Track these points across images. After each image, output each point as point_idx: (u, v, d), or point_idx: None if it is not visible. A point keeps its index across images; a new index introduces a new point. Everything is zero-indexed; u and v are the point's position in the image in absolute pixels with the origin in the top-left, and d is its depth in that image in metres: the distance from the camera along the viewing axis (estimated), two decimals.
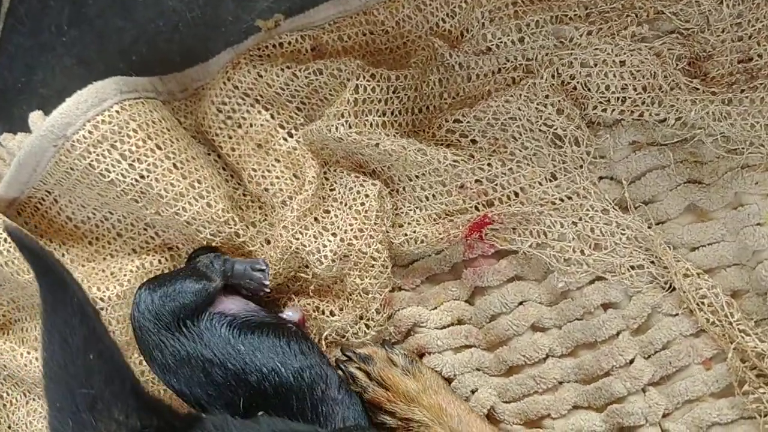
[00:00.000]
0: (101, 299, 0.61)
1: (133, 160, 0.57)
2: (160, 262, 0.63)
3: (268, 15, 0.64)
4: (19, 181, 0.63)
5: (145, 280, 0.60)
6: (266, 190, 0.60)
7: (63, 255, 0.63)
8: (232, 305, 0.54)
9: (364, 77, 0.55)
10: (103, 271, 0.63)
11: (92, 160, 0.57)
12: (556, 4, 0.53)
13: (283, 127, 0.61)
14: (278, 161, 0.61)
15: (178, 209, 0.59)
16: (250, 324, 0.52)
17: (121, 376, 0.38)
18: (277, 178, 0.60)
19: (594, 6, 0.54)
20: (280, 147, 0.61)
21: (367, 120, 0.56)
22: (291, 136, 0.61)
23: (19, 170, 0.62)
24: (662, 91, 0.51)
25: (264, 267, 0.56)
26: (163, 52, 0.68)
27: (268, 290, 0.56)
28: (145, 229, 0.64)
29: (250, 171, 0.61)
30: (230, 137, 0.62)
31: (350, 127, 0.55)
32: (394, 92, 0.56)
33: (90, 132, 0.57)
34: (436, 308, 0.57)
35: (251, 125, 0.61)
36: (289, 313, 0.57)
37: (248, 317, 0.53)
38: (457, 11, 0.57)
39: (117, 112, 0.57)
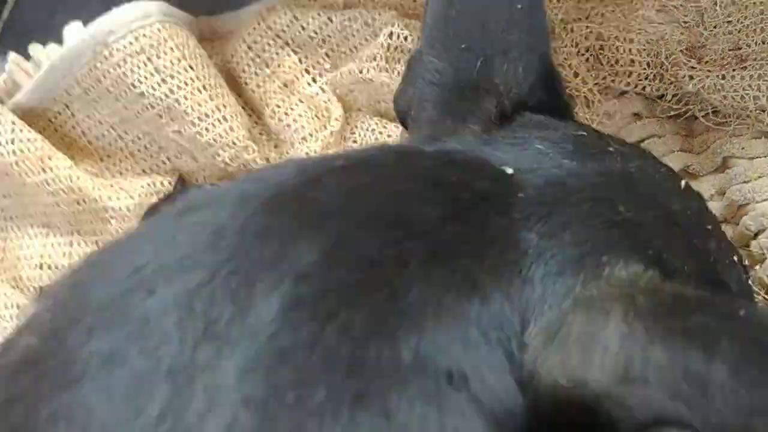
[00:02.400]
0: (112, 208, 0.60)
1: (166, 76, 0.58)
2: (169, 183, 0.62)
3: None
4: (44, 88, 0.62)
5: (158, 195, 0.59)
6: (288, 126, 0.61)
7: (70, 167, 0.61)
8: None
9: (398, 25, 0.58)
10: (112, 186, 0.62)
11: (127, 70, 0.58)
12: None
13: (308, 72, 0.63)
14: (301, 102, 0.62)
15: (201, 129, 0.59)
16: None
17: (539, 39, 0.36)
18: (300, 116, 0.61)
19: None
20: (303, 90, 0.63)
21: (395, 68, 0.59)
22: (315, 81, 0.63)
23: (49, 75, 0.61)
24: (663, 69, 0.56)
25: None
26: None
27: None
28: (158, 153, 0.64)
29: (273, 107, 0.62)
30: (257, 74, 0.63)
31: (381, 71, 0.58)
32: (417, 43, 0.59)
33: (131, 42, 0.57)
34: None
35: (279, 66, 0.63)
36: None
37: None
38: None
39: (158, 29, 0.58)
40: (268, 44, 0.63)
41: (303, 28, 0.62)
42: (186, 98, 0.58)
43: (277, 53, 0.63)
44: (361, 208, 0.26)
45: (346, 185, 0.27)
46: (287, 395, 0.21)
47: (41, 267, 0.63)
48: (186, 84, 0.58)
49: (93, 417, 0.21)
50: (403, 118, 0.41)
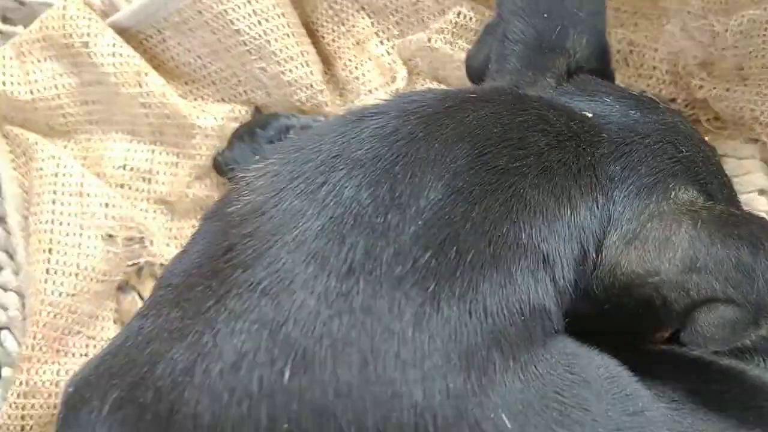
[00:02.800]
0: (198, 126, 0.69)
1: (261, 18, 0.67)
2: (246, 112, 0.72)
3: None
4: (145, 13, 0.70)
5: (236, 122, 0.69)
6: (356, 78, 0.71)
7: (164, 85, 0.70)
8: None
9: (466, 7, 0.68)
10: (194, 108, 0.71)
11: (228, 8, 0.66)
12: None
13: (377, 35, 0.73)
14: (369, 60, 0.72)
15: (285, 69, 0.68)
16: None
17: (600, 20, 0.46)
18: (368, 71, 0.71)
19: (639, 9, 0.70)
20: (372, 49, 0.72)
21: (457, 43, 0.69)
22: (382, 43, 0.73)
23: (155, 1, 0.69)
24: (679, 77, 0.67)
25: None
26: None
27: None
28: (237, 85, 0.73)
29: (345, 60, 0.72)
30: (333, 30, 0.73)
31: (446, 43, 0.68)
32: (481, 25, 0.69)
33: None
34: None
35: (353, 26, 0.72)
36: None
37: None
38: None
39: None
40: (347, 5, 0.72)
41: None
42: (276, 40, 0.67)
43: (353, 15, 0.72)
44: (495, 130, 0.36)
45: (482, 111, 0.37)
46: (450, 252, 0.31)
47: (124, 168, 0.72)
48: (278, 28, 0.67)
49: (305, 247, 0.31)
50: (476, 73, 0.51)
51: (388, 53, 0.72)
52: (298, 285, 0.31)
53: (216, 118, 0.70)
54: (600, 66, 0.49)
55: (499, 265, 0.32)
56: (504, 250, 0.33)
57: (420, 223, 0.32)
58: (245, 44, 0.68)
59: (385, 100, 0.40)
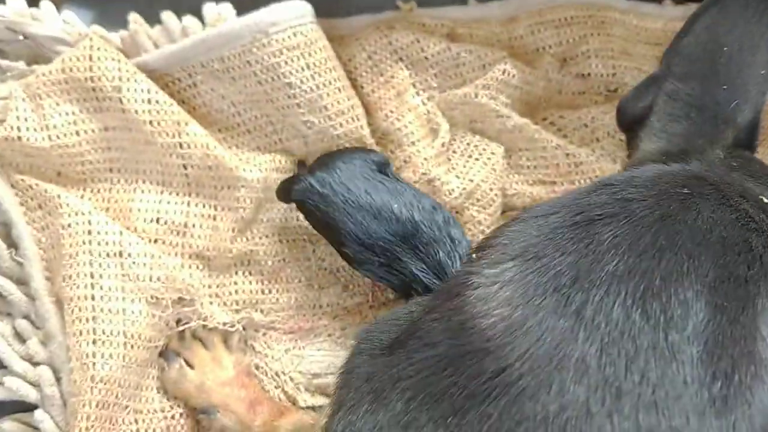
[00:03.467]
0: (244, 179, 0.66)
1: (315, 72, 0.65)
2: (286, 162, 0.70)
3: (383, 2, 0.74)
4: (179, 56, 0.66)
5: (277, 172, 0.67)
6: (399, 129, 0.71)
7: (206, 135, 0.66)
8: None
9: (509, 64, 0.70)
10: (240, 160, 0.68)
11: (281, 61, 0.64)
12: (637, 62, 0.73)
13: (414, 86, 0.73)
14: (410, 111, 0.72)
15: (335, 123, 0.67)
16: None
17: (763, 99, 0.46)
18: (410, 122, 0.72)
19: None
20: (410, 100, 0.73)
21: (499, 98, 0.71)
22: (418, 94, 0.73)
23: (191, 46, 0.65)
24: None
25: None
26: None
27: None
28: (272, 133, 0.71)
29: (387, 111, 0.72)
30: (372, 81, 0.72)
31: (490, 98, 0.70)
32: (522, 82, 0.72)
33: (289, 37, 0.64)
34: None
35: (392, 77, 0.72)
36: None
37: None
38: (563, 43, 0.75)
39: (311, 29, 0.65)
40: (386, 57, 0.72)
41: (422, 50, 0.72)
42: (328, 95, 0.66)
43: (391, 66, 0.72)
44: (723, 234, 0.36)
45: (705, 213, 0.37)
46: (732, 377, 0.32)
47: (157, 221, 0.67)
48: (330, 83, 0.66)
49: (592, 377, 0.31)
50: (629, 120, 0.51)
51: (424, 103, 0.73)
52: (601, 421, 0.31)
53: (261, 169, 0.67)
54: (749, 141, 0.49)
55: (760, 384, 0.33)
56: (761, 369, 0.33)
57: (699, 346, 0.32)
58: (295, 97, 0.66)
59: (593, 191, 0.40)
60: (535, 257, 0.37)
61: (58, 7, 0.72)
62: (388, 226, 0.59)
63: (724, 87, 0.46)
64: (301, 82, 0.65)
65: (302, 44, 0.64)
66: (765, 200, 0.41)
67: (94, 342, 0.60)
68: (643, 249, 0.35)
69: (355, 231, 0.60)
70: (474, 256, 0.40)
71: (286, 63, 0.64)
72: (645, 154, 0.49)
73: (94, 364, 0.59)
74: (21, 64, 0.68)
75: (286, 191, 0.65)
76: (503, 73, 0.70)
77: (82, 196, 0.68)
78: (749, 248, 0.37)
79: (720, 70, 0.47)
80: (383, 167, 0.64)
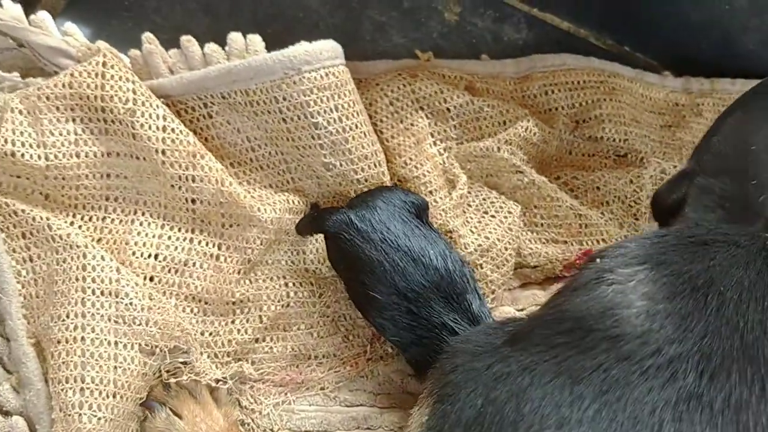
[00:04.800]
0: (258, 218, 0.61)
1: (343, 115, 0.62)
2: (299, 203, 0.65)
3: (400, 50, 0.74)
4: (200, 85, 0.62)
5: (290, 213, 0.63)
6: (416, 177, 0.68)
7: (222, 170, 0.61)
8: None
9: (531, 122, 0.69)
10: (254, 198, 0.63)
11: (310, 100, 0.60)
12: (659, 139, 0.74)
13: (432, 135, 0.71)
14: (428, 160, 0.70)
15: (358, 168, 0.64)
16: None
17: None
18: (428, 171, 0.69)
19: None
20: (427, 149, 0.70)
21: (518, 154, 0.70)
22: (435, 144, 0.71)
23: (214, 75, 0.60)
24: None
25: None
26: (299, 37, 0.71)
27: None
28: (284, 172, 0.66)
29: (406, 158, 0.69)
30: (392, 127, 0.70)
31: (512, 154, 0.69)
32: (540, 140, 0.71)
33: (321, 76, 0.60)
34: (523, 309, 0.70)
35: (412, 124, 0.70)
36: None
37: None
38: (575, 105, 0.75)
39: (342, 71, 0.62)
40: (408, 104, 0.70)
41: (444, 101, 0.70)
42: (354, 138, 0.62)
43: (411, 114, 0.70)
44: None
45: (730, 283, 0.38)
46: None
47: (155, 258, 0.61)
48: (356, 126, 0.62)
49: None
50: (664, 212, 0.53)
51: (441, 153, 0.71)
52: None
53: (275, 210, 0.63)
54: None
55: None
56: None
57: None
58: (319, 138, 0.62)
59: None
60: (666, 263, 0.38)
61: (54, 18, 0.66)
62: (425, 272, 0.56)
63: (753, 182, 0.48)
64: (328, 123, 0.61)
65: (333, 85, 0.61)
66: None
67: (81, 390, 0.52)
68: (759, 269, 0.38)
69: (391, 272, 0.56)
70: (598, 260, 0.41)
71: (315, 102, 0.60)
72: None
73: (80, 415, 0.51)
74: (15, 76, 0.61)
75: (317, 222, 0.60)
76: (526, 130, 0.69)
77: (71, 223, 0.60)
78: None
79: (749, 167, 0.49)
80: (421, 211, 0.60)
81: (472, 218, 0.69)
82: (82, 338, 0.54)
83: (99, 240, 0.61)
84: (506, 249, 0.68)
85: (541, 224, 0.71)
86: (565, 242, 0.71)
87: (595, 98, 0.74)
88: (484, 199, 0.70)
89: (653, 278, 0.37)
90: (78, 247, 0.56)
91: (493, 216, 0.69)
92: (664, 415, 0.32)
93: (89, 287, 0.55)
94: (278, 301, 0.64)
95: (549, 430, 0.33)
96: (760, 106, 0.51)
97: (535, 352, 0.37)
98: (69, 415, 0.51)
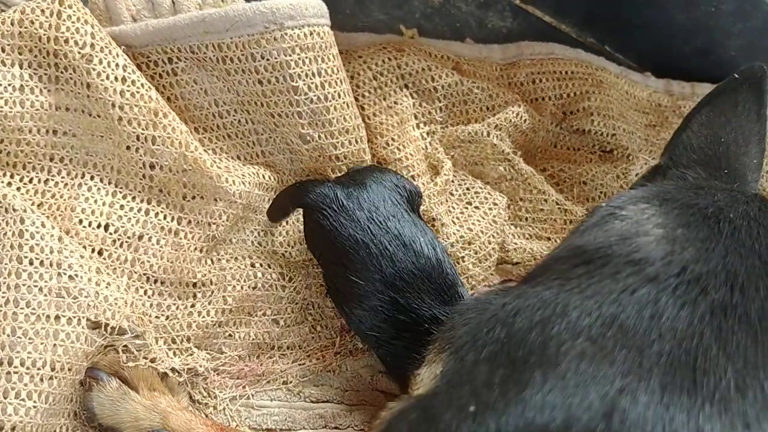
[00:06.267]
0: (225, 190, 0.54)
1: (326, 81, 0.56)
2: (270, 178, 0.59)
3: (381, 26, 0.68)
4: (165, 36, 0.55)
5: (260, 188, 0.56)
6: (398, 159, 0.63)
7: (187, 132, 0.54)
8: None
9: (522, 108, 0.65)
10: (223, 168, 0.56)
11: (291, 60, 0.54)
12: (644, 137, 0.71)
13: (416, 117, 0.66)
14: (411, 142, 0.64)
15: (337, 142, 0.58)
16: None
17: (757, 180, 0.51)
18: (411, 154, 0.64)
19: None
20: (410, 131, 0.65)
21: (506, 141, 0.65)
22: (419, 126, 0.66)
23: (184, 25, 0.54)
24: None
25: None
26: None
27: None
28: (254, 143, 0.60)
29: (388, 139, 0.63)
30: (375, 103, 0.64)
31: (501, 139, 0.64)
32: (530, 128, 0.67)
33: (305, 35, 0.54)
34: None
35: (396, 102, 0.65)
36: None
37: None
38: (563, 96, 0.72)
39: (327, 32, 0.56)
40: (392, 81, 0.64)
41: (432, 80, 0.65)
42: (335, 109, 0.56)
43: (396, 91, 0.65)
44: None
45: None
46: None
47: (106, 228, 0.53)
48: (339, 96, 0.57)
49: None
50: None
51: (423, 137, 0.66)
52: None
53: (245, 183, 0.56)
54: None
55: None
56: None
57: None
58: (298, 105, 0.55)
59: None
60: (672, 200, 0.39)
61: None
62: (416, 260, 0.50)
63: (726, 171, 0.50)
64: (309, 89, 0.55)
65: (317, 47, 0.55)
66: None
67: (8, 376, 0.44)
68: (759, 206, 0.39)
69: (377, 256, 0.49)
70: (604, 204, 0.41)
71: (296, 64, 0.54)
72: None
73: (4, 407, 0.43)
74: None
75: (297, 194, 0.53)
76: (516, 115, 0.65)
77: (9, 184, 0.52)
78: None
79: (721, 158, 0.50)
80: (413, 199, 0.55)
81: (454, 208, 0.64)
82: (14, 314, 0.45)
83: (41, 205, 0.53)
84: (489, 243, 0.63)
85: (526, 218, 0.67)
86: (549, 239, 0.67)
87: (584, 90, 0.70)
88: (467, 189, 0.65)
89: (664, 211, 0.38)
90: (15, 211, 0.48)
91: (477, 207, 0.64)
92: (703, 327, 0.32)
93: (26, 256, 0.47)
94: (245, 281, 0.57)
95: (581, 343, 0.31)
96: (725, 101, 0.53)
97: (553, 285, 0.35)
98: None
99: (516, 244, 0.65)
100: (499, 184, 0.67)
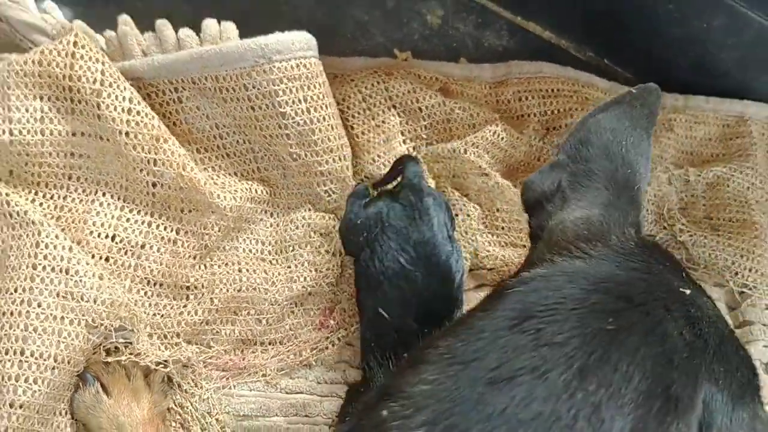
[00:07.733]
0: (217, 205, 0.60)
1: (311, 107, 0.60)
2: (263, 192, 0.64)
3: (380, 49, 0.73)
4: (170, 68, 0.60)
5: (251, 202, 0.61)
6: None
7: (185, 155, 0.60)
8: None
9: (500, 127, 0.68)
10: (215, 185, 0.61)
11: (279, 90, 0.59)
12: None
13: (402, 134, 0.70)
14: (395, 158, 0.68)
15: (322, 160, 0.62)
16: None
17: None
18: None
19: None
20: (396, 147, 0.69)
21: (484, 156, 0.68)
22: (404, 143, 0.70)
23: (186, 59, 0.59)
24: (663, 218, 0.73)
25: None
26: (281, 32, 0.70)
27: None
28: (251, 161, 0.65)
29: (375, 155, 0.67)
30: (364, 123, 0.68)
31: (479, 156, 0.67)
32: (508, 145, 0.69)
33: (292, 67, 0.59)
34: None
35: (383, 121, 0.69)
36: None
37: None
38: (548, 113, 0.74)
39: (314, 63, 0.61)
40: (380, 102, 0.68)
41: (417, 101, 0.69)
42: (320, 131, 0.61)
43: (383, 111, 0.69)
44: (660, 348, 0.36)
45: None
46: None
47: (113, 238, 0.59)
48: (324, 119, 0.61)
49: None
50: (535, 198, 0.52)
51: (409, 152, 0.69)
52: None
53: (236, 198, 0.61)
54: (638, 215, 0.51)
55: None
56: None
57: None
58: (286, 128, 0.60)
59: (517, 325, 0.37)
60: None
61: None
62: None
63: (629, 171, 0.50)
64: (296, 113, 0.60)
65: (303, 76, 0.59)
66: (686, 291, 0.40)
67: (20, 363, 0.50)
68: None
69: None
70: None
71: (283, 92, 0.59)
72: (564, 229, 0.48)
73: (15, 389, 0.49)
74: None
75: None
76: (493, 134, 0.68)
77: (32, 201, 0.59)
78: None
79: (621, 154, 0.50)
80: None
81: None
82: (27, 312, 0.52)
83: (58, 218, 0.59)
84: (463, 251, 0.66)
85: (502, 227, 0.69)
86: (524, 246, 0.69)
87: (567, 107, 0.72)
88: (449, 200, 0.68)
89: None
90: (34, 224, 0.55)
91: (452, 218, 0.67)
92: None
93: (40, 264, 0.53)
94: (231, 285, 0.62)
95: None
96: (620, 115, 0.52)
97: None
98: (4, 386, 0.49)
99: (489, 251, 0.68)
100: (478, 195, 0.69)
